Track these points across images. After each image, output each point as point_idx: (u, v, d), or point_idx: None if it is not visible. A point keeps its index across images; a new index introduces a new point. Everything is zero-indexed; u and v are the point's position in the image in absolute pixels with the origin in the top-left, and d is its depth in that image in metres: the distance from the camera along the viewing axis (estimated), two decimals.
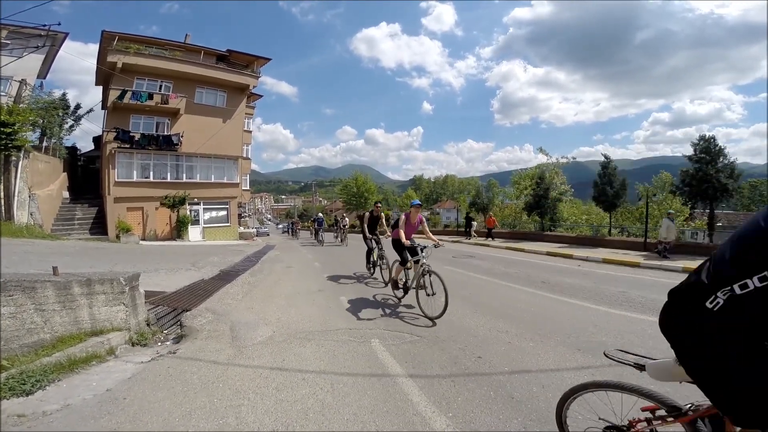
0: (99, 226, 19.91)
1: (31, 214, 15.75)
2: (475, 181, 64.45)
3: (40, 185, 16.99)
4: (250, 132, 33.63)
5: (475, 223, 23.23)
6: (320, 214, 22.54)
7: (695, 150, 12.80)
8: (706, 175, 12.22)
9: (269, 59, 27.28)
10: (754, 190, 50.90)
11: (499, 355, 3.83)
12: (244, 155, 29.09)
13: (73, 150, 25.20)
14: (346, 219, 20.91)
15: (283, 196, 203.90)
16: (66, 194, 21.13)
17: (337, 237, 21.04)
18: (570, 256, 12.75)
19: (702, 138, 12.86)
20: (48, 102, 19.35)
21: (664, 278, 8.57)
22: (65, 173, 21.62)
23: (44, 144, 19.77)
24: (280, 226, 71.19)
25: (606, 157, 16.97)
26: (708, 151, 12.51)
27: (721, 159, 12.39)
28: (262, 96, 36.42)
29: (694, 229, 14.92)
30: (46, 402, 2.94)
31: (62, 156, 21.34)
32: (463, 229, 24.42)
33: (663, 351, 1.37)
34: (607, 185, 16.17)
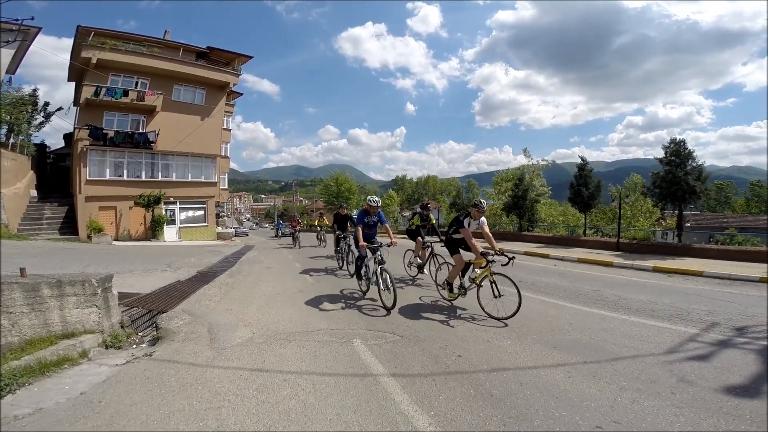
0: (69, 226, 19.21)
1: None
2: (455, 182, 65.09)
3: (5, 183, 16.29)
4: (230, 130, 33.07)
5: None
6: (344, 205, 11.38)
7: (666, 153, 13.23)
8: (675, 177, 12.63)
9: (251, 57, 26.92)
10: (720, 192, 53.32)
11: (479, 354, 3.90)
12: (223, 154, 28.60)
13: (41, 147, 24.24)
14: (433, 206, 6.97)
15: (263, 196, 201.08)
16: (34, 193, 20.31)
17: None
18: (547, 256, 13.04)
19: (672, 141, 13.31)
20: (16, 98, 18.61)
21: (636, 277, 8.87)
22: (33, 171, 20.80)
23: (11, 141, 18.99)
24: (266, 226, 62.48)
25: (583, 159, 17.41)
26: (678, 154, 12.95)
27: (689, 162, 12.83)
28: (242, 94, 35.92)
29: (665, 230, 15.43)
30: (17, 406, 2.85)
31: (30, 153, 20.54)
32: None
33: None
34: (582, 186, 16.61)
